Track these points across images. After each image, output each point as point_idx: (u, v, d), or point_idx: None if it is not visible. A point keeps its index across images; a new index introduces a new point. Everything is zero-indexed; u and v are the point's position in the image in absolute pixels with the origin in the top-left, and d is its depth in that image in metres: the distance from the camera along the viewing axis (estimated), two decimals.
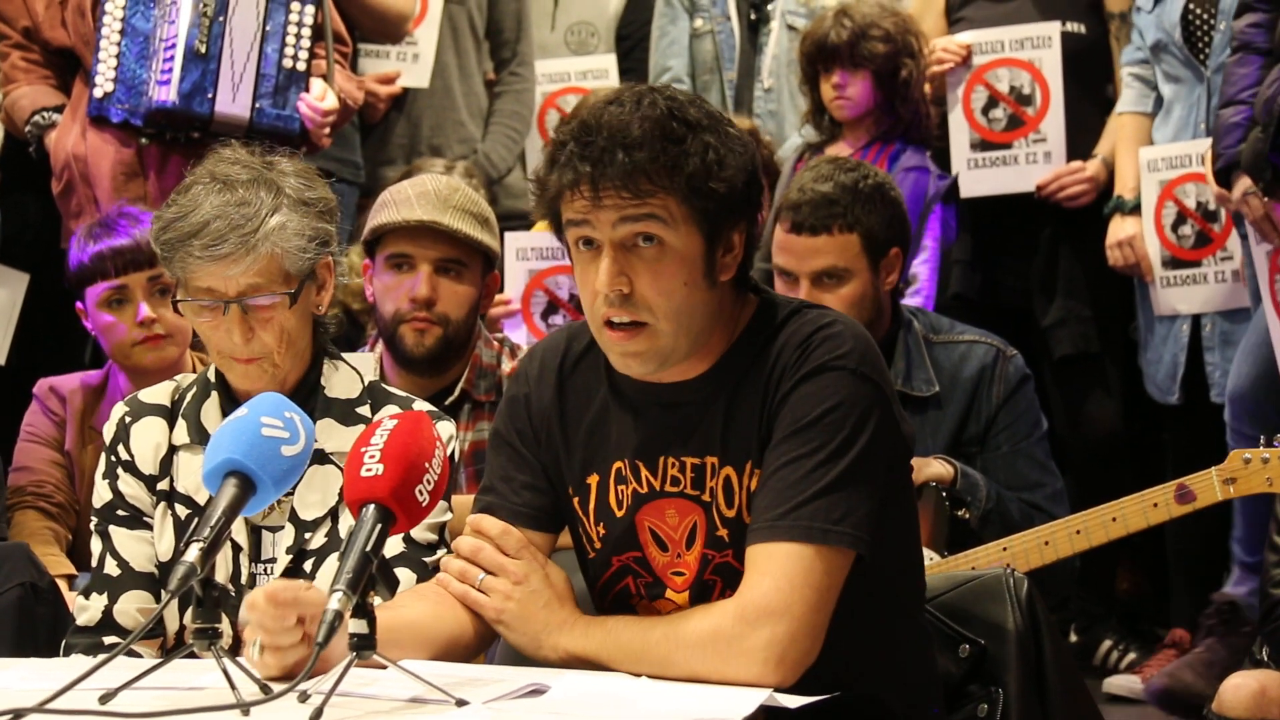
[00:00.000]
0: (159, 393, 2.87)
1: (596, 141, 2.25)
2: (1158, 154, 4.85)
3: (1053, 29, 5.02)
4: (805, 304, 2.43)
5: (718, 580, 2.38)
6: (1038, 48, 5.03)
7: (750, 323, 2.41)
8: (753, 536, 2.28)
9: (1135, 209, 4.90)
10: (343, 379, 2.84)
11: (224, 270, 2.67)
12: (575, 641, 2.32)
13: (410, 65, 5.42)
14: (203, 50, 4.27)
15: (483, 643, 2.44)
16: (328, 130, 4.43)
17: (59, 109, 4.47)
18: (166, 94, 4.27)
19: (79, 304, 3.85)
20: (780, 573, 2.23)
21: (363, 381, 2.85)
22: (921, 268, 4.71)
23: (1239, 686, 3.05)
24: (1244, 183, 4.21)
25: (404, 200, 3.62)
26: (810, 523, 2.24)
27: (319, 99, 4.38)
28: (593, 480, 2.45)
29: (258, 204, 2.68)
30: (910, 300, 4.51)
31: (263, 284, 2.70)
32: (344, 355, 2.89)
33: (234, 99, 4.30)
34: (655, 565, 2.43)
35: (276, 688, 2.07)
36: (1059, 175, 5.04)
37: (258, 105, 4.32)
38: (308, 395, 2.78)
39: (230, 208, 2.67)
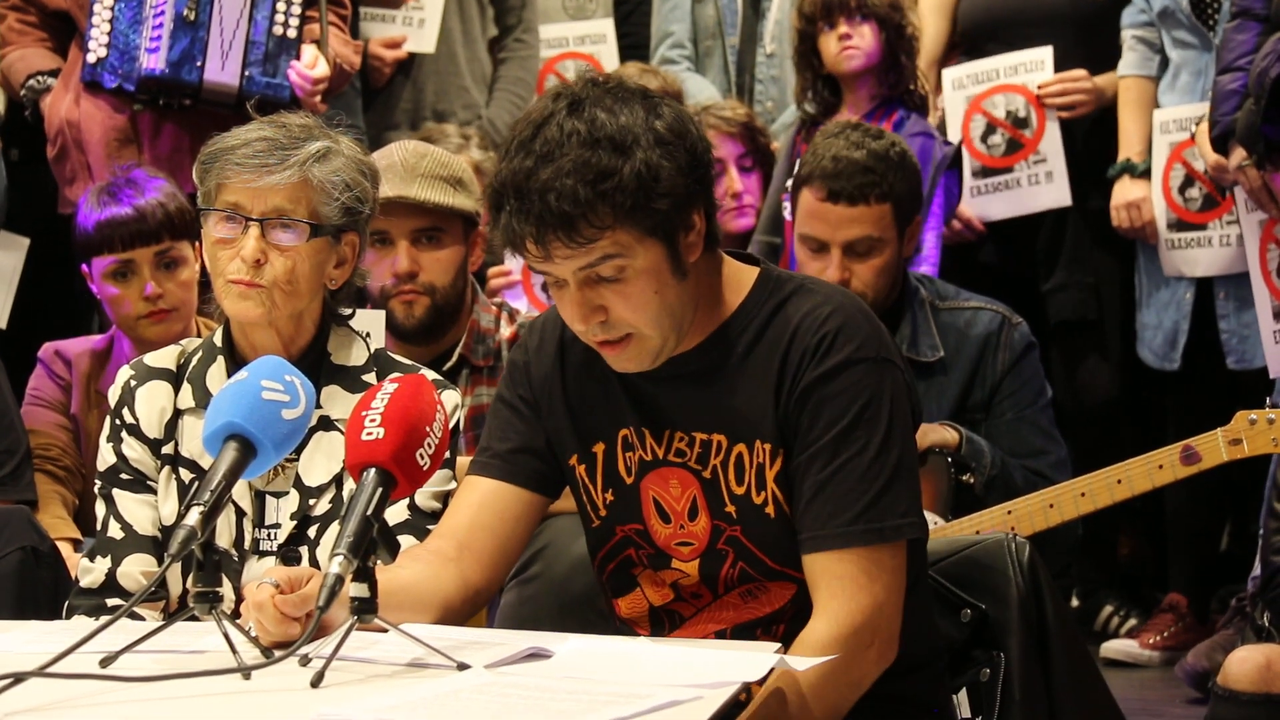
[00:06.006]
0: (164, 357, 2.87)
1: (529, 199, 2.23)
2: (1169, 116, 4.85)
3: (1045, 53, 5.06)
4: (807, 280, 2.44)
5: (730, 550, 2.40)
6: (1030, 71, 5.08)
7: (750, 295, 2.41)
8: (826, 543, 2.30)
9: (1145, 173, 4.90)
10: (350, 347, 2.84)
11: (257, 180, 2.68)
12: None
13: (415, 30, 5.40)
14: (191, 18, 4.25)
15: (479, 603, 2.45)
16: (319, 97, 4.41)
17: (54, 73, 4.45)
18: (155, 62, 4.25)
19: (84, 267, 3.84)
20: (865, 579, 2.28)
21: (369, 349, 2.85)
22: (928, 235, 4.70)
23: (1244, 660, 3.05)
24: (1239, 153, 4.21)
25: None
26: (882, 523, 2.30)
27: (309, 66, 4.36)
28: (599, 448, 2.46)
29: (306, 137, 2.73)
30: (916, 267, 4.51)
31: (289, 209, 2.71)
32: (354, 312, 2.89)
33: (223, 67, 4.28)
34: (657, 538, 2.44)
35: (278, 652, 2.07)
36: (1062, 79, 5.04)
37: (247, 73, 4.31)
38: (314, 362, 2.78)
39: (280, 135, 2.72)
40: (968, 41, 5.26)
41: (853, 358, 2.32)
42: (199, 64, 4.26)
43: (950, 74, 5.17)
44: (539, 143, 2.25)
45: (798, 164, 3.93)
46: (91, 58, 4.31)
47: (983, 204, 5.08)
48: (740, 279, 2.42)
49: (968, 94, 5.15)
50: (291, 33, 4.34)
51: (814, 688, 2.23)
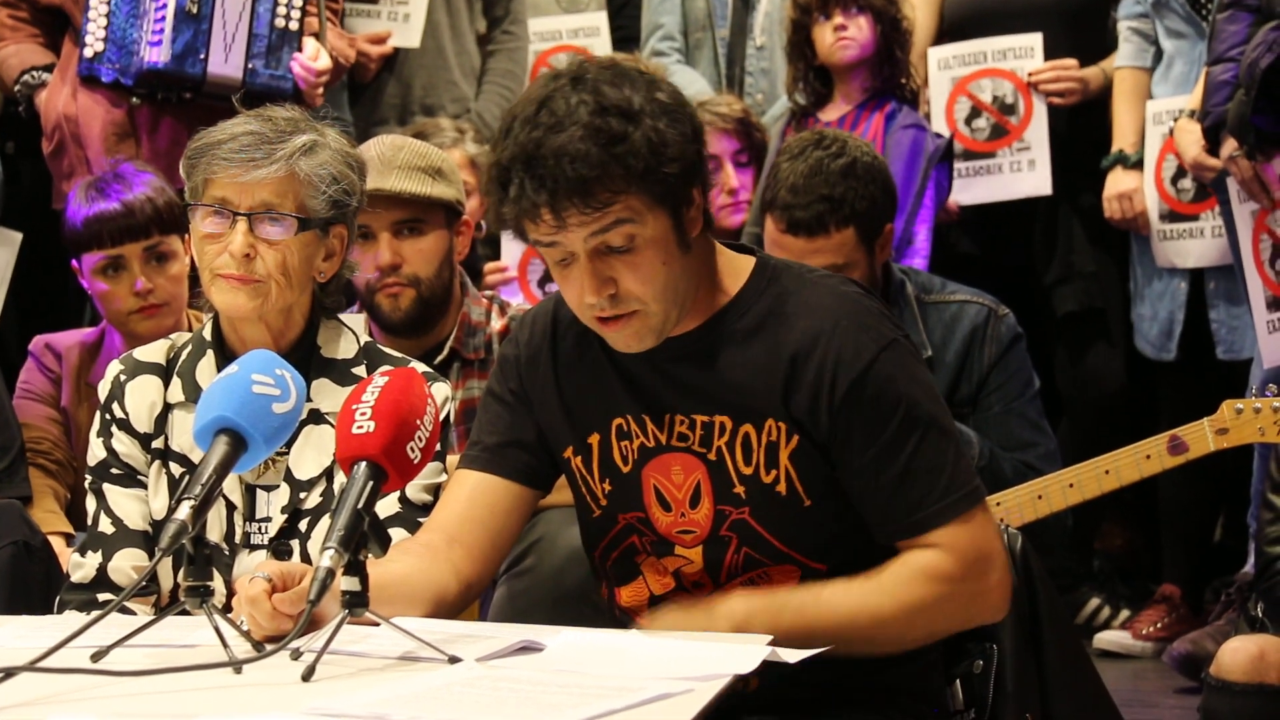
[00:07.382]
0: (154, 351, 2.87)
1: (544, 166, 2.23)
2: (1162, 107, 4.85)
3: (1035, 40, 5.04)
4: (803, 269, 2.46)
5: (733, 536, 2.40)
6: (1020, 58, 5.07)
7: (749, 282, 2.42)
8: (922, 525, 2.32)
9: (1138, 164, 4.90)
10: (339, 340, 2.84)
11: (244, 174, 2.68)
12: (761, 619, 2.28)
13: (401, 25, 5.39)
14: (194, 10, 4.24)
15: (470, 597, 2.45)
16: (320, 90, 4.41)
17: (48, 68, 4.44)
18: (158, 55, 4.24)
19: (74, 262, 3.84)
20: (975, 532, 2.33)
21: (359, 343, 2.85)
22: (919, 228, 4.70)
23: (1237, 650, 3.06)
24: (1231, 144, 4.21)
25: None
26: (961, 492, 2.33)
27: (312, 59, 4.35)
28: (594, 439, 2.46)
29: (293, 131, 2.72)
30: (907, 260, 4.50)
31: (276, 203, 2.70)
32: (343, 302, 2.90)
33: (226, 60, 4.27)
34: (659, 525, 2.44)
35: (269, 646, 2.07)
36: (1055, 65, 5.03)
37: (250, 66, 4.30)
38: (304, 356, 2.77)
39: (266, 129, 2.71)
40: (953, 32, 5.25)
41: (884, 350, 2.33)
42: (202, 57, 4.25)
43: (936, 54, 5.14)
44: (544, 115, 2.25)
45: (763, 182, 3.91)
46: (88, 52, 4.30)
47: (960, 188, 5.05)
48: (737, 266, 2.44)
49: (953, 75, 5.12)
50: (294, 25, 4.34)
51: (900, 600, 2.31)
